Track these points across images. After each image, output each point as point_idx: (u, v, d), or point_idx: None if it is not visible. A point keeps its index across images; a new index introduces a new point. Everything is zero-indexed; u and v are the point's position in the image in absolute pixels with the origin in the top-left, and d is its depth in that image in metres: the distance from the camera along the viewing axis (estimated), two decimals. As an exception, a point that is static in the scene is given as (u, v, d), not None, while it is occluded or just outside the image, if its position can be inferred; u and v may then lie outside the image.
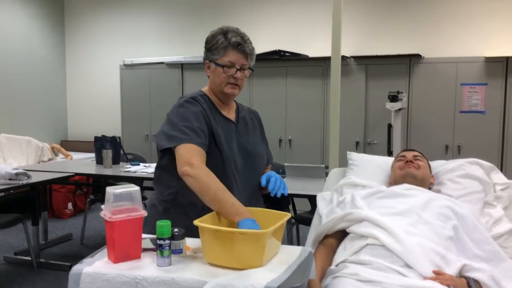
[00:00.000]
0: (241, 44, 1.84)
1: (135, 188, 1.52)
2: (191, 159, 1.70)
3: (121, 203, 1.50)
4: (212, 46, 1.89)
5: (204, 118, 1.84)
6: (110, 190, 1.48)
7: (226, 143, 1.87)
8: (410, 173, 2.08)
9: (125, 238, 1.48)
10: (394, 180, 2.14)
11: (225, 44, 1.85)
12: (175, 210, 1.86)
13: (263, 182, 1.87)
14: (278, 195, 1.81)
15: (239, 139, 1.94)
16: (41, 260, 4.05)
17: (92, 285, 1.41)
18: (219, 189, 1.66)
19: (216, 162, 1.81)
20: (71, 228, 5.18)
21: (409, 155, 2.18)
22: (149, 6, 6.68)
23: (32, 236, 4.09)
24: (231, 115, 1.98)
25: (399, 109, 4.82)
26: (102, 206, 1.51)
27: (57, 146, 6.11)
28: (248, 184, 1.92)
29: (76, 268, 1.44)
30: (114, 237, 1.46)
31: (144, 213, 1.52)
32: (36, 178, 3.70)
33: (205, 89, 2.00)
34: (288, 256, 1.54)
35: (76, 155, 6.13)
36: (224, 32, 1.88)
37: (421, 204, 1.85)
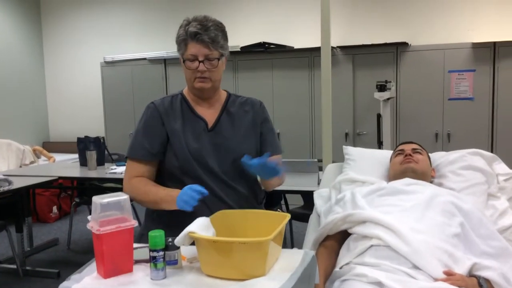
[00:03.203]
0: (198, 33, 1.70)
1: (124, 196, 1.41)
2: (125, 178, 1.82)
3: (110, 213, 1.39)
4: (176, 40, 1.79)
5: (154, 125, 1.82)
6: (97, 200, 1.37)
7: (187, 142, 1.79)
8: (410, 168, 1.99)
9: (115, 251, 1.37)
10: (394, 175, 2.05)
11: (184, 36, 1.74)
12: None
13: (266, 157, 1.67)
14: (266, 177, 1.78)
15: (213, 137, 1.83)
16: (27, 268, 3.90)
17: (81, 304, 1.30)
18: (147, 191, 1.75)
19: (171, 162, 1.80)
20: (57, 233, 5.04)
21: (408, 148, 2.09)
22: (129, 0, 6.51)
23: (17, 243, 3.95)
24: (211, 111, 1.86)
25: (388, 99, 4.75)
26: (89, 217, 1.40)
27: (39, 148, 5.93)
28: (229, 181, 1.81)
29: (63, 286, 1.33)
30: (103, 250, 1.35)
31: (134, 223, 1.41)
32: (18, 183, 3.55)
33: (186, 88, 1.91)
34: (290, 262, 1.45)
35: (59, 157, 5.96)
36: (187, 23, 1.74)
37: (424, 201, 1.77)
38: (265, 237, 1.32)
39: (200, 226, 1.40)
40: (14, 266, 3.83)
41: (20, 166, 5.29)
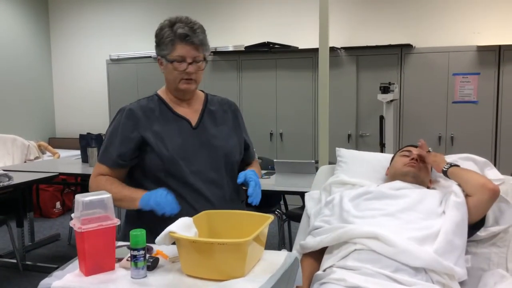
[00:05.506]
0: (188, 35, 1.72)
1: (107, 195, 1.42)
2: (91, 175, 1.81)
3: (92, 211, 1.40)
4: (159, 40, 1.79)
5: (127, 131, 1.77)
6: (79, 197, 1.39)
7: (172, 143, 1.77)
8: (412, 173, 1.96)
9: (97, 249, 1.38)
10: (394, 174, 2.03)
11: (171, 37, 1.74)
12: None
13: (240, 179, 1.79)
14: (253, 204, 1.73)
15: (199, 135, 1.83)
16: (27, 262, 3.95)
17: (61, 300, 1.32)
18: (110, 189, 1.63)
19: (155, 165, 1.76)
20: (59, 228, 5.08)
21: (417, 152, 2.09)
22: (135, -1, 6.55)
23: (17, 237, 3.99)
24: (191, 110, 1.86)
25: (391, 101, 4.73)
26: (72, 215, 1.42)
27: (44, 144, 5.97)
28: (217, 180, 1.81)
29: (44, 282, 1.35)
30: (85, 248, 1.37)
31: (117, 221, 1.42)
32: (19, 178, 3.59)
33: (161, 89, 1.91)
34: (272, 264, 1.46)
35: (64, 153, 5.99)
36: (172, 23, 1.76)
37: (409, 205, 1.76)
38: (244, 238, 1.32)
39: (182, 226, 1.41)
40: (14, 261, 3.87)
41: (25, 162, 5.33)
